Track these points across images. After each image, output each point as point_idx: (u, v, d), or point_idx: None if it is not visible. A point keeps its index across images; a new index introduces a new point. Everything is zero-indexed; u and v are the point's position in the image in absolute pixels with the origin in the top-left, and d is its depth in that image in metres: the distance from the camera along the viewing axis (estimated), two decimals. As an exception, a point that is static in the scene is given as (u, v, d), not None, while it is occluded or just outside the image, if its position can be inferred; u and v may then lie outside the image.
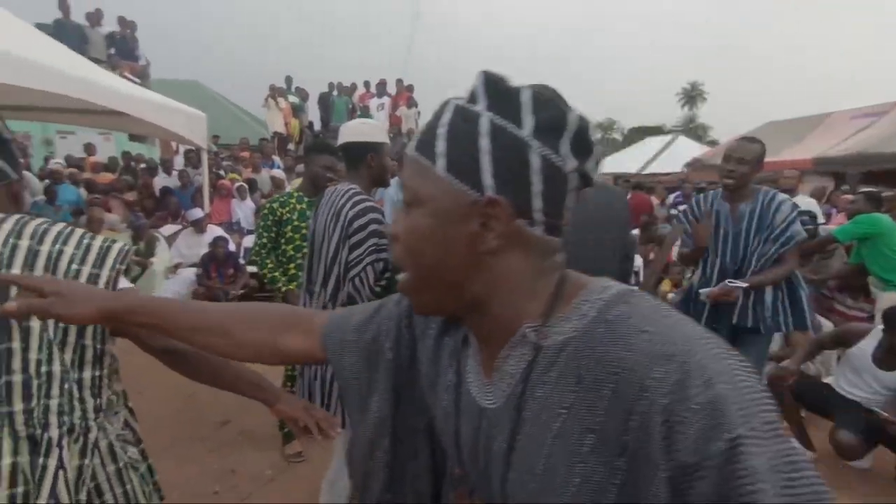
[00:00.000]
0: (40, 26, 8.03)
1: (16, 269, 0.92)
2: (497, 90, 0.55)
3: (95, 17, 8.37)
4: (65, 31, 7.94)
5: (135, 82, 8.07)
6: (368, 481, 0.73)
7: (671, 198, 8.56)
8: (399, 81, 10.45)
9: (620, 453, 0.48)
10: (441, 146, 0.55)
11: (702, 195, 2.58)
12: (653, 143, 14.61)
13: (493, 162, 0.53)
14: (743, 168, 2.25)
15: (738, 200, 2.33)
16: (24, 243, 0.94)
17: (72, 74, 3.58)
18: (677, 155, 12.11)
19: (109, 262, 1.00)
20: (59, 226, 1.01)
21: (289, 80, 10.37)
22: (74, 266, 0.96)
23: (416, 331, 0.71)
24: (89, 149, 8.13)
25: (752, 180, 2.31)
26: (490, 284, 0.57)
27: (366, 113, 10.23)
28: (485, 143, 0.53)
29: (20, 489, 0.91)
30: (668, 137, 14.99)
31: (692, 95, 52.07)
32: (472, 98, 0.56)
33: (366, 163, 2.00)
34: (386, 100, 10.29)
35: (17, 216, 0.98)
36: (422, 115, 10.64)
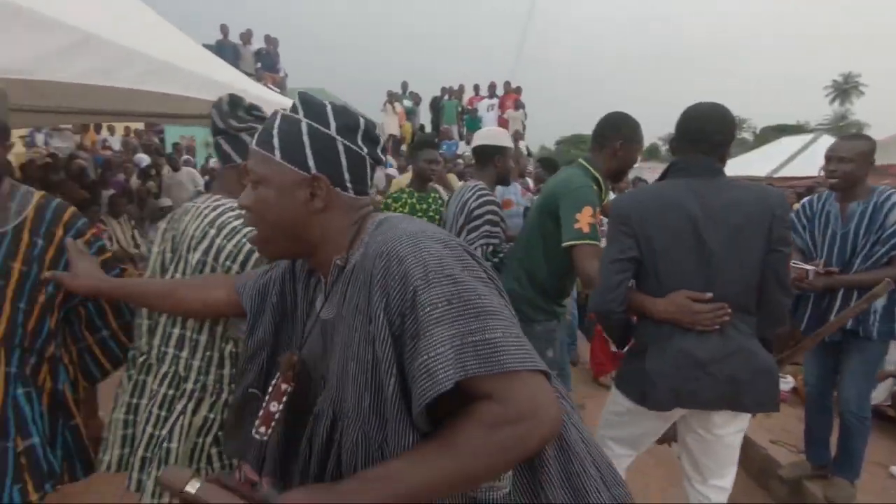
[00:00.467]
0: (206, 46, 9.51)
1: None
2: (310, 104, 0.84)
3: (246, 37, 9.72)
4: (223, 50, 9.34)
5: (275, 91, 9.23)
6: (243, 379, 0.99)
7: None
8: (507, 84, 10.62)
9: (370, 321, 0.74)
10: (276, 142, 0.82)
11: (815, 196, 2.44)
12: (789, 144, 13.07)
13: (313, 151, 0.82)
14: (845, 167, 2.12)
15: (849, 200, 2.19)
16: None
17: (231, 86, 4.31)
18: (818, 156, 10.74)
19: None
20: None
21: (404, 85, 11.08)
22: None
23: (295, 277, 0.98)
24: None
25: (863, 179, 2.15)
26: (319, 233, 0.85)
27: (474, 115, 10.57)
28: (306, 139, 0.82)
29: (161, 412, 1.20)
30: (807, 137, 13.33)
31: (845, 89, 45.35)
32: (294, 110, 0.85)
33: (492, 163, 2.41)
34: (496, 101, 10.52)
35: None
36: (528, 117, 10.73)
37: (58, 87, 3.45)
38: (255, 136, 0.86)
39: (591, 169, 2.03)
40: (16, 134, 7.70)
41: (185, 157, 8.45)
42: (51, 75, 2.19)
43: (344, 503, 0.67)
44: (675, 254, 1.52)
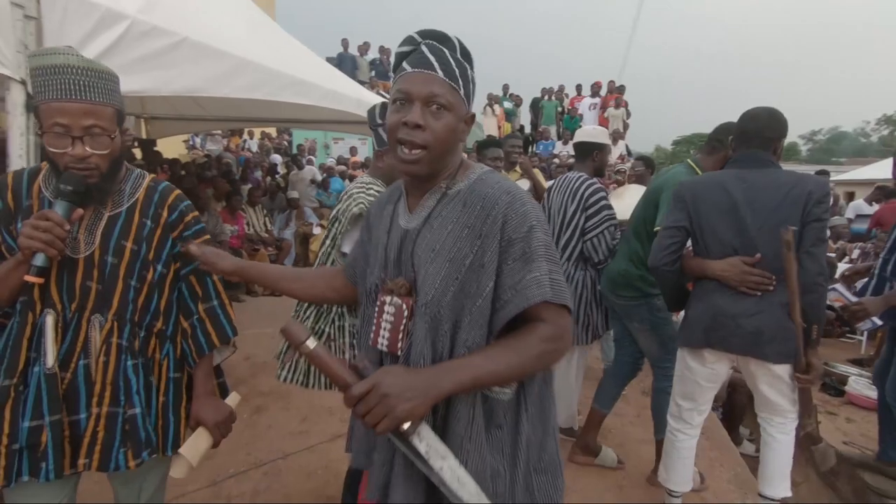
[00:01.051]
0: (329, 59, 10.65)
1: None
2: (467, 53, 1.01)
3: (364, 48, 10.73)
4: (343, 61, 10.40)
5: (386, 98, 10.05)
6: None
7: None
8: (611, 83, 10.49)
9: (479, 236, 0.95)
10: (458, 78, 0.97)
11: None
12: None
13: (471, 94, 1.01)
14: None
15: None
16: None
17: (347, 96, 4.96)
18: None
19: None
20: None
21: (505, 87, 11.42)
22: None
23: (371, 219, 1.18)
24: (352, 151, 10.47)
25: None
26: (450, 160, 1.02)
27: (574, 114, 10.58)
28: (472, 83, 1.01)
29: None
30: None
31: None
32: (452, 49, 0.99)
33: (591, 157, 2.77)
34: (597, 100, 10.46)
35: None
36: (631, 115, 10.49)
37: (214, 100, 4.27)
38: (435, 60, 0.96)
39: (695, 168, 2.33)
40: (180, 139, 9.35)
41: (307, 157, 9.57)
42: (214, 93, 2.88)
43: (436, 380, 0.87)
44: (717, 227, 1.85)
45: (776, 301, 1.78)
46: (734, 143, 1.96)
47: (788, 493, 1.99)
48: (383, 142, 1.75)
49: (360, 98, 5.34)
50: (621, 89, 10.47)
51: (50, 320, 1.17)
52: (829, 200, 1.84)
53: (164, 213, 1.30)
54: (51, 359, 1.16)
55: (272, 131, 12.02)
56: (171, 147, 8.31)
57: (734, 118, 2.05)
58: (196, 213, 1.39)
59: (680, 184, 2.02)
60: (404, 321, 0.97)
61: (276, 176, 8.69)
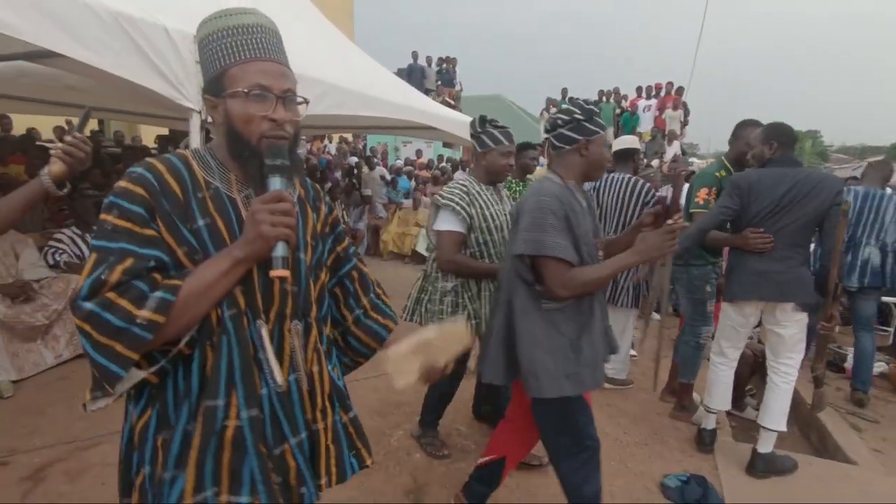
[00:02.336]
0: (399, 70, 11.69)
1: None
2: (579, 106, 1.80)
3: (430, 59, 11.70)
4: (413, 71, 11.43)
5: (450, 104, 10.94)
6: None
7: None
8: (668, 84, 10.68)
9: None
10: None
11: None
12: None
13: None
14: None
15: None
16: None
17: (411, 107, 5.83)
18: None
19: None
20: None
21: (564, 91, 11.91)
22: None
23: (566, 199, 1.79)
24: (418, 153, 11.47)
25: None
26: None
27: (631, 116, 10.90)
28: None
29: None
30: None
31: None
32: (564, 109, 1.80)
33: (632, 160, 3.57)
34: (653, 102, 10.70)
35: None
36: (690, 114, 10.62)
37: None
38: (593, 124, 1.74)
39: (724, 160, 3.07)
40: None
41: (376, 159, 10.64)
42: (308, 112, 3.84)
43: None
44: (764, 208, 2.46)
45: (795, 262, 2.42)
46: (775, 146, 2.54)
47: (784, 428, 2.56)
48: (484, 145, 2.29)
49: (425, 109, 6.20)
50: (680, 91, 10.64)
51: (265, 332, 0.97)
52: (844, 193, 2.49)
53: (323, 207, 1.15)
54: (279, 375, 0.98)
55: (349, 136, 13.32)
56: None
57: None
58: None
59: (738, 175, 2.64)
60: None
61: (354, 176, 9.84)
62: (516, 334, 1.68)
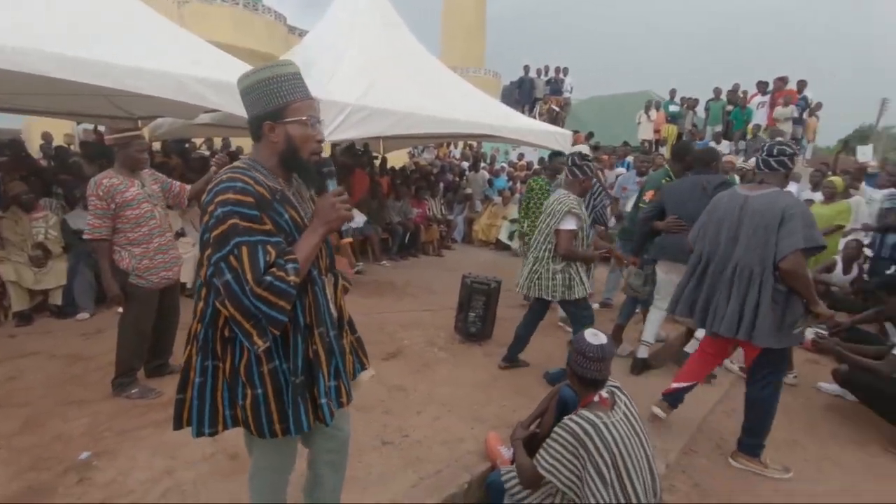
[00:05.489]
0: (511, 83, 13.04)
1: None
2: None
3: (541, 70, 12.88)
4: (523, 83, 12.76)
5: (554, 110, 12.00)
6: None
7: None
8: (778, 80, 10.25)
9: None
10: None
11: None
12: None
13: None
14: None
15: None
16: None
17: (507, 125, 7.02)
18: None
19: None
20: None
21: (672, 92, 12.04)
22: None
23: None
24: (519, 157, 12.67)
25: None
26: None
27: (742, 110, 10.69)
28: None
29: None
30: None
31: None
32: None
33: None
34: (766, 98, 10.37)
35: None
36: (809, 110, 10.03)
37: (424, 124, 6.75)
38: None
39: (668, 169, 4.21)
40: (405, 151, 12.99)
41: (483, 163, 12.01)
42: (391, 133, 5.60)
43: None
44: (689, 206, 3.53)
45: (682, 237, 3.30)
46: (695, 163, 3.70)
47: (652, 341, 3.70)
48: (577, 175, 3.32)
49: (520, 126, 7.40)
50: (801, 85, 10.12)
51: (327, 282, 1.50)
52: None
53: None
54: (335, 310, 1.54)
55: (473, 143, 15.08)
56: (398, 157, 11.92)
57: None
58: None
59: (668, 184, 3.85)
60: None
61: (464, 177, 11.54)
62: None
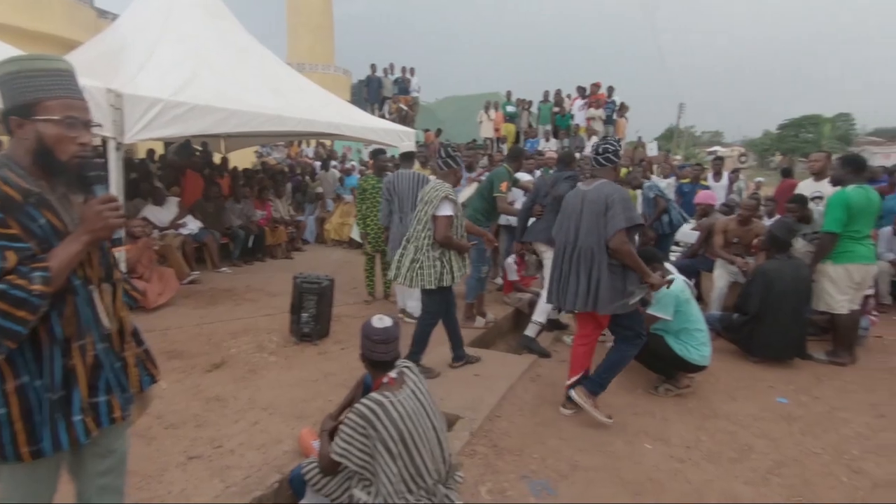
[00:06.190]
0: (359, 82, 13.06)
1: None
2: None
3: (388, 69, 13.10)
4: (371, 82, 12.86)
5: (403, 109, 12.29)
6: None
7: None
8: (594, 85, 11.84)
9: None
10: None
11: None
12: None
13: None
14: None
15: None
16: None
17: (366, 126, 7.02)
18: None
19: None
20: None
21: (508, 94, 13.18)
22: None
23: None
24: (370, 155, 12.80)
25: None
26: None
27: (563, 116, 12.09)
28: None
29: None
30: None
31: None
32: None
33: (414, 159, 5.01)
34: (586, 101, 11.88)
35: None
36: (617, 111, 11.72)
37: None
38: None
39: (509, 170, 4.60)
40: (251, 149, 12.26)
41: (334, 162, 11.86)
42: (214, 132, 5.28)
43: None
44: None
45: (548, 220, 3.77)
46: (558, 163, 4.22)
47: (543, 321, 4.13)
48: (449, 166, 3.45)
49: (365, 124, 7.40)
50: (609, 90, 11.80)
51: (96, 292, 1.38)
52: None
53: None
54: (106, 321, 1.41)
55: (327, 141, 14.78)
56: (244, 157, 11.19)
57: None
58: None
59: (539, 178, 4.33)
60: None
61: (315, 176, 11.28)
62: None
